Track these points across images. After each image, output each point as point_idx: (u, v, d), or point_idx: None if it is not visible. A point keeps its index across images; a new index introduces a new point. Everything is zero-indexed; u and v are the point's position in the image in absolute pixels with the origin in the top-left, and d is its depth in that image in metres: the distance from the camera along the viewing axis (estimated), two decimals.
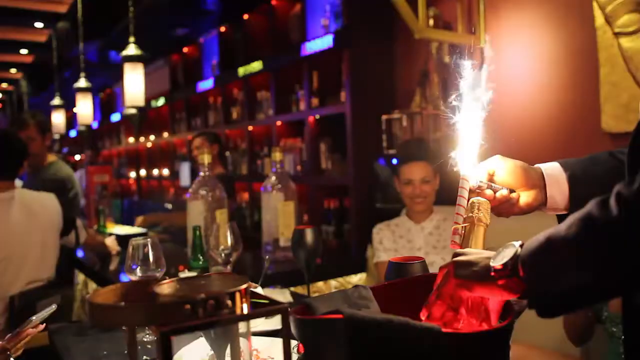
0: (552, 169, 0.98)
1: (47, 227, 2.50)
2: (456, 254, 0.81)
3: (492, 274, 0.74)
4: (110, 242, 3.11)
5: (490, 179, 0.99)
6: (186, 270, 1.87)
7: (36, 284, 2.41)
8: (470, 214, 0.88)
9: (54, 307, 1.42)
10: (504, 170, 0.98)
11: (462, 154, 0.93)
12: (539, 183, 0.97)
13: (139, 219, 3.80)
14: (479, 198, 0.91)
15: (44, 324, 1.40)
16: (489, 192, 0.95)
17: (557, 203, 0.97)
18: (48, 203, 2.54)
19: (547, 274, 0.69)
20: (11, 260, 2.34)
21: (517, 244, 0.74)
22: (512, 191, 0.98)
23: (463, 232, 0.89)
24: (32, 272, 2.40)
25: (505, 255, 0.74)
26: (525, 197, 0.97)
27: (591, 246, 0.65)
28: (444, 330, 0.69)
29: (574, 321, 1.74)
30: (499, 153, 0.99)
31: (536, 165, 1.00)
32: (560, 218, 0.99)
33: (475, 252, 0.80)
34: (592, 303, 0.84)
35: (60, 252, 2.60)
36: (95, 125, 9.73)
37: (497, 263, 0.74)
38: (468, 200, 0.91)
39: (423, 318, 0.83)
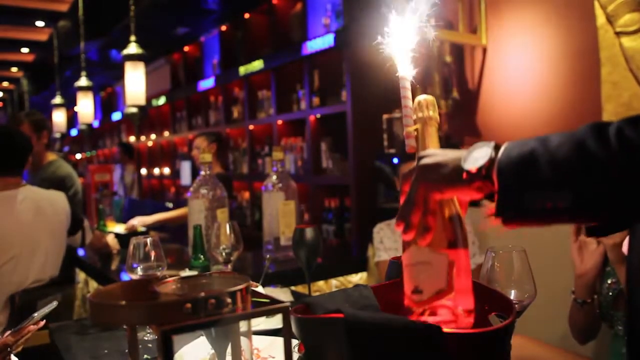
0: None
1: (56, 225, 2.50)
2: (421, 157, 0.77)
3: (465, 176, 0.71)
4: (111, 240, 3.11)
5: None
6: (187, 269, 1.87)
7: (40, 282, 2.40)
8: (420, 114, 0.84)
9: (55, 303, 1.42)
10: None
11: (397, 55, 0.86)
12: None
13: (130, 224, 3.49)
14: (424, 96, 0.85)
15: (44, 320, 1.40)
16: None
17: None
18: (57, 201, 2.53)
19: (526, 188, 0.66)
20: (21, 258, 2.33)
21: (490, 145, 0.71)
22: None
23: (416, 134, 0.85)
24: (39, 271, 2.39)
25: (479, 156, 0.71)
26: None
27: (581, 173, 0.63)
28: (444, 330, 0.69)
29: (579, 319, 1.73)
30: None
31: None
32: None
33: (440, 153, 0.76)
34: (560, 223, 0.80)
35: None
36: (96, 124, 9.74)
37: (471, 166, 0.71)
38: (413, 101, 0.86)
39: (400, 230, 0.79)
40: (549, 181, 0.65)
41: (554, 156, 0.65)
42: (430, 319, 0.76)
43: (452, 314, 0.76)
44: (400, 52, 0.86)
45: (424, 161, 0.76)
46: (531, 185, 0.66)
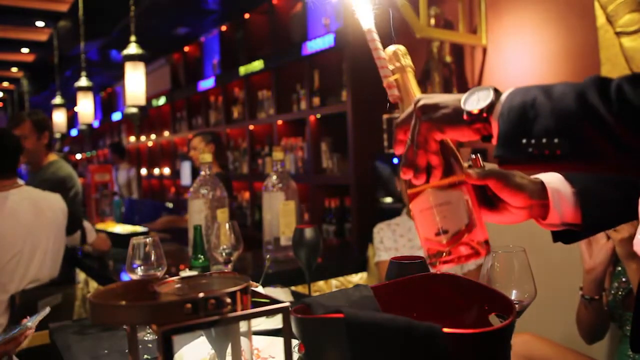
0: (554, 182, 0.84)
1: (54, 225, 2.50)
2: (417, 100, 0.77)
3: (465, 117, 0.72)
4: None
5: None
6: (187, 270, 1.87)
7: (38, 282, 2.41)
8: (398, 64, 0.84)
9: (47, 309, 1.42)
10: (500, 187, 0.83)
11: (359, 7, 0.85)
12: (538, 200, 0.83)
13: (162, 221, 4.00)
14: (396, 45, 0.86)
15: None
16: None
17: (557, 218, 0.84)
18: (54, 202, 2.54)
19: (524, 135, 0.67)
20: (21, 258, 2.34)
21: (491, 88, 0.72)
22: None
23: (397, 84, 0.85)
24: (38, 271, 2.40)
25: (480, 98, 0.72)
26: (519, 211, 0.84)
27: (580, 125, 0.65)
28: (444, 330, 0.69)
29: (586, 316, 1.72)
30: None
31: (535, 177, 0.85)
32: (556, 235, 0.88)
33: (436, 95, 0.77)
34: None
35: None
36: (96, 124, 9.74)
37: (472, 107, 0.72)
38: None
39: (409, 176, 0.79)
40: (547, 130, 0.66)
41: (555, 106, 0.66)
42: (452, 257, 0.77)
43: (473, 247, 0.77)
44: (362, 4, 0.85)
45: (423, 102, 0.76)
46: (530, 132, 0.67)
